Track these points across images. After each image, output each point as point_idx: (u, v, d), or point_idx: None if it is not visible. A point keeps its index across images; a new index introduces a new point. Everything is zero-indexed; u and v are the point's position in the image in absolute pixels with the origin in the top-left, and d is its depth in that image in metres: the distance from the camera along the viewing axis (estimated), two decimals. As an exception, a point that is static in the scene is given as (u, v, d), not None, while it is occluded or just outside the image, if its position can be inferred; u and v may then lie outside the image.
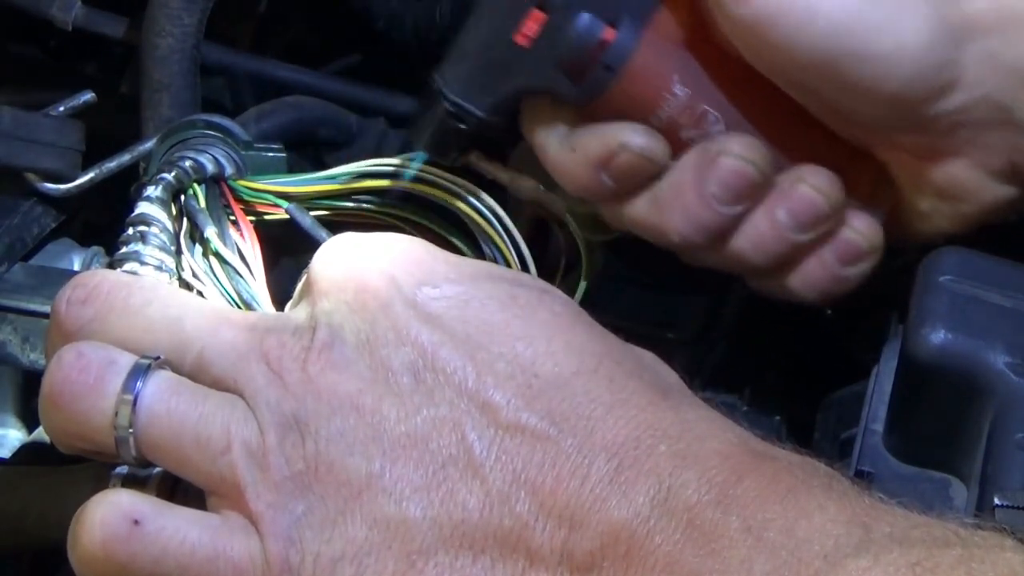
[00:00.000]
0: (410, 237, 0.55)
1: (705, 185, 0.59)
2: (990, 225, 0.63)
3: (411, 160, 0.65)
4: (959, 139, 0.59)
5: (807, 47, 0.56)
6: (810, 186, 0.60)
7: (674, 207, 0.60)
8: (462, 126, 0.61)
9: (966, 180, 0.60)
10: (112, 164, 0.72)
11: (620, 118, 0.60)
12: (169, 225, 0.63)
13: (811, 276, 0.62)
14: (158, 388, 0.50)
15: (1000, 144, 0.59)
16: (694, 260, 0.63)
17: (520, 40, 0.59)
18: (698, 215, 0.60)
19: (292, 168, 0.68)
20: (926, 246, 0.61)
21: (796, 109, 0.60)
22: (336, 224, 0.64)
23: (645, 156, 0.60)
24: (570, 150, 0.61)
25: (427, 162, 0.65)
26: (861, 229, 0.62)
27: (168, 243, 0.62)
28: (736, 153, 0.59)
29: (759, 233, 0.61)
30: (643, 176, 0.61)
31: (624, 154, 0.60)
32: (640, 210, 0.61)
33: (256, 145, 0.68)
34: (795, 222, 0.60)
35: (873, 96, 0.57)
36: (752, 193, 0.60)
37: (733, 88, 0.60)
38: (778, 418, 0.68)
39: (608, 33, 0.59)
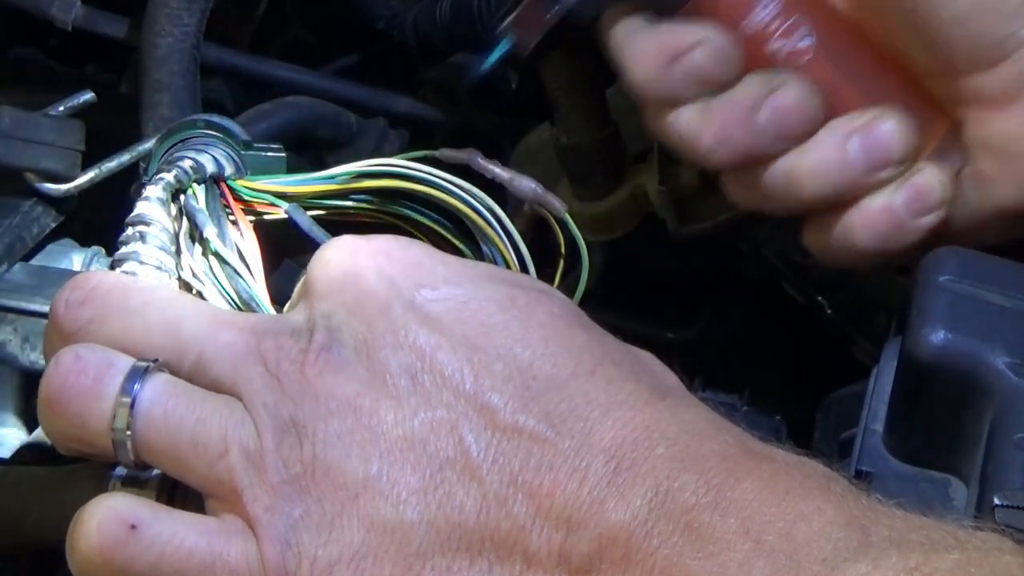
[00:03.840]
0: (409, 239, 0.55)
1: (757, 111, 0.61)
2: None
3: (411, 160, 0.65)
4: None
5: None
6: (892, 123, 0.61)
7: (717, 121, 0.62)
8: None
9: None
10: (112, 164, 0.72)
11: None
12: (168, 225, 0.62)
13: (874, 219, 0.62)
14: (156, 391, 0.50)
15: None
16: (740, 191, 0.64)
17: None
18: (737, 136, 0.62)
19: (292, 168, 0.68)
20: (925, 247, 0.61)
21: (881, 53, 0.62)
22: (336, 224, 0.64)
23: (719, 58, 0.62)
24: (647, 36, 0.63)
25: (427, 162, 0.64)
26: (933, 177, 0.62)
27: (167, 243, 0.62)
28: (797, 90, 0.61)
29: (824, 160, 0.62)
30: (708, 80, 0.62)
31: (700, 50, 0.62)
32: (686, 117, 0.63)
33: (256, 145, 0.68)
34: (867, 156, 0.61)
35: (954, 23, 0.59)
36: (795, 134, 0.61)
37: (825, 14, 0.62)
38: (778, 418, 0.68)
39: None
